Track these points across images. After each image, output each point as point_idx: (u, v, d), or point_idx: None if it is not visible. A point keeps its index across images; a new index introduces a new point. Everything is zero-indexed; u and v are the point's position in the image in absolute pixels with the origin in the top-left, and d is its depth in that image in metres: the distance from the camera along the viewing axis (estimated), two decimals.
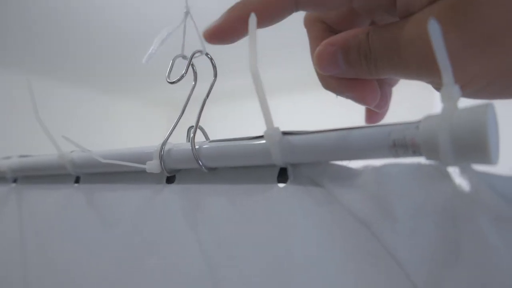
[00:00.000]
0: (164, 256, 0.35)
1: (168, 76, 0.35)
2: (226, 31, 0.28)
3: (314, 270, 0.27)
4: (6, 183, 0.51)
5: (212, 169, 0.34)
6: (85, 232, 0.42)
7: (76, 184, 0.44)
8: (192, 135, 0.34)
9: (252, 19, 0.25)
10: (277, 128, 0.29)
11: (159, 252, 0.36)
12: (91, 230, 0.41)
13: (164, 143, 0.35)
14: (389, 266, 0.25)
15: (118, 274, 0.38)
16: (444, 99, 0.23)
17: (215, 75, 0.36)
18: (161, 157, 0.35)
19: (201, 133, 0.37)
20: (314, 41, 0.32)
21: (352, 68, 0.28)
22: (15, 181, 0.51)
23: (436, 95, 0.27)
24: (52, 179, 0.47)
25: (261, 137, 0.30)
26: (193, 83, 0.37)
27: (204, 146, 0.33)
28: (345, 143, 0.26)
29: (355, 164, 0.28)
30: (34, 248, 0.46)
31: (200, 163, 0.33)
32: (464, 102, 0.23)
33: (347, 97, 0.31)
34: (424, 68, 0.25)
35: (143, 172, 0.39)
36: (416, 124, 0.24)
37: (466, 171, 0.23)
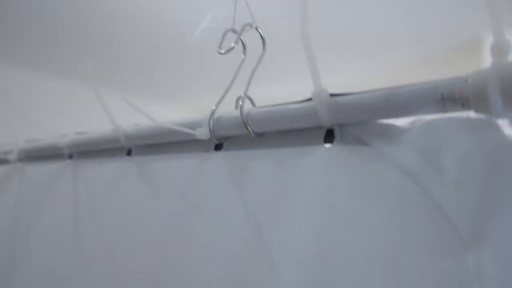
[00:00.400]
0: (210, 219, 0.37)
1: (220, 47, 0.37)
2: None
3: (359, 226, 0.28)
4: (62, 159, 0.54)
5: (259, 135, 0.35)
6: (136, 201, 0.44)
7: (128, 157, 0.46)
8: (241, 103, 0.35)
9: None
10: (325, 89, 0.30)
11: (206, 215, 0.37)
12: (142, 199, 0.43)
13: (213, 112, 0.37)
14: (435, 218, 0.25)
15: (168, 240, 0.40)
16: (494, 53, 0.24)
17: (264, 48, 0.37)
18: (210, 124, 0.36)
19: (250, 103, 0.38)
20: None
21: None
22: (70, 157, 0.54)
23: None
24: (105, 154, 0.49)
25: (309, 99, 0.31)
26: (243, 56, 0.38)
27: (252, 112, 0.34)
28: (393, 100, 0.27)
29: (401, 122, 0.28)
30: (88, 220, 0.48)
31: (249, 128, 0.34)
32: None
33: None
34: None
35: (191, 141, 0.41)
36: (465, 78, 0.25)
37: None
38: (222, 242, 0.35)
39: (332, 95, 0.30)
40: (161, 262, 0.39)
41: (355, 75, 2.20)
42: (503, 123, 0.24)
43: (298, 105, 0.31)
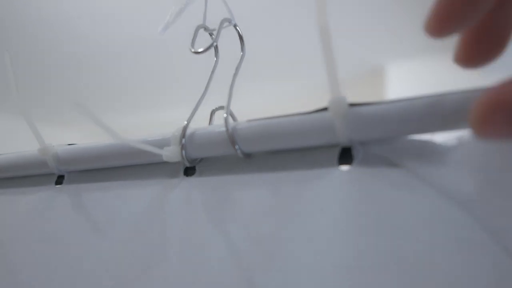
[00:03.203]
0: (179, 263, 0.29)
1: (192, 45, 0.30)
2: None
3: (392, 268, 0.22)
4: None
5: (247, 156, 0.28)
6: (69, 242, 0.34)
7: (58, 186, 0.37)
8: (225, 114, 0.28)
9: None
10: (344, 97, 0.24)
11: (173, 258, 0.29)
12: (79, 238, 0.34)
13: (186, 127, 0.29)
14: (492, 256, 0.20)
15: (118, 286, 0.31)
16: None
17: (243, 49, 0.31)
18: (182, 143, 0.29)
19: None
20: None
21: None
22: None
23: None
24: (22, 182, 0.39)
25: (323, 109, 0.25)
26: (215, 58, 0.32)
27: (240, 127, 0.27)
28: (439, 109, 0.22)
29: (440, 137, 0.23)
30: None
31: (237, 147, 0.27)
32: None
33: None
34: None
35: (149, 166, 0.33)
36: None
37: None
38: (197, 285, 0.27)
39: (351, 104, 0.24)
40: None
41: (259, 100, 2.17)
42: None
43: (308, 117, 0.25)
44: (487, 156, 0.21)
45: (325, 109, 0.25)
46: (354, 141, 0.25)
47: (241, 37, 0.31)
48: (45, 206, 0.36)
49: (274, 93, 2.16)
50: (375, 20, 1.45)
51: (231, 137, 0.27)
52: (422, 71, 1.51)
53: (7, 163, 0.38)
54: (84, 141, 0.36)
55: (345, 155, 0.25)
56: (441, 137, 0.23)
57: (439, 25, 0.22)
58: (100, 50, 1.68)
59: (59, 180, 0.37)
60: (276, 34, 1.57)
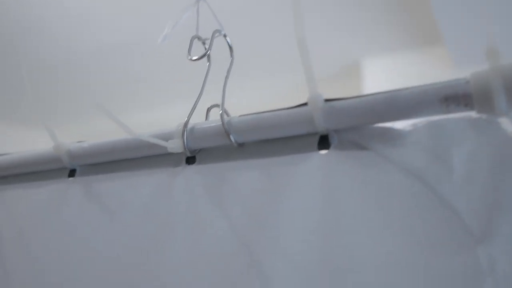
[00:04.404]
0: (185, 239, 0.33)
1: (189, 53, 0.35)
2: None
3: (366, 230, 0.28)
4: None
5: (240, 145, 0.33)
6: (83, 228, 0.39)
7: (71, 178, 0.41)
8: (220, 111, 0.33)
9: None
10: (320, 94, 0.29)
11: (180, 236, 0.34)
12: (91, 224, 0.38)
13: (187, 122, 0.34)
14: (444, 216, 0.26)
15: (128, 272, 0.35)
16: (489, 56, 0.25)
17: (232, 55, 0.36)
18: (184, 135, 0.34)
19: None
20: None
21: None
22: None
23: None
24: (37, 176, 0.43)
25: (303, 104, 0.30)
26: (207, 63, 0.37)
27: (234, 120, 0.32)
28: (394, 103, 0.27)
29: (400, 124, 0.29)
30: (17, 253, 0.41)
31: (231, 138, 0.32)
32: None
33: None
34: None
35: (154, 157, 0.37)
36: (465, 80, 0.26)
37: None
38: (202, 262, 0.32)
39: (326, 100, 0.29)
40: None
41: (237, 97, 2.21)
42: (505, 121, 0.26)
43: (291, 111, 0.30)
44: (435, 136, 0.27)
45: (305, 104, 0.30)
46: (330, 130, 0.30)
47: (230, 47, 0.36)
48: (60, 196, 0.40)
49: (260, 90, 2.21)
50: (350, 18, 1.51)
51: (227, 129, 0.32)
52: (395, 66, 1.58)
53: (23, 160, 0.43)
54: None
55: (323, 142, 0.30)
56: (399, 124, 0.29)
57: None
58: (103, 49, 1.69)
59: (71, 173, 0.41)
60: (262, 36, 1.62)
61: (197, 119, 0.35)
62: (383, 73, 1.67)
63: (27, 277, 0.40)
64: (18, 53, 1.61)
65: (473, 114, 0.26)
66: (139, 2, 1.38)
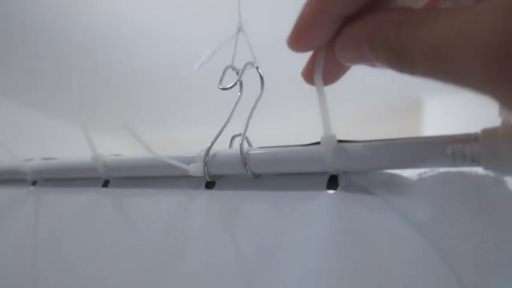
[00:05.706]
0: (196, 260, 0.35)
1: (220, 83, 0.37)
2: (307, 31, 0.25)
3: (359, 274, 0.28)
4: (24, 186, 0.50)
5: (256, 176, 0.35)
6: (110, 237, 0.41)
7: (104, 188, 0.44)
8: (241, 141, 0.35)
9: None
10: (334, 135, 0.30)
11: (191, 256, 0.35)
12: (117, 235, 0.41)
13: (209, 148, 0.36)
14: (438, 270, 0.26)
15: (145, 281, 0.37)
16: (502, 111, 0.25)
17: (262, 87, 0.38)
18: (205, 161, 0.35)
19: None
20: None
21: (382, 63, 0.23)
22: (33, 183, 0.50)
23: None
24: (75, 183, 0.47)
25: (316, 143, 0.31)
26: (239, 93, 0.39)
27: (251, 152, 0.34)
28: (404, 152, 0.28)
29: (407, 173, 0.29)
30: (48, 253, 0.45)
31: (248, 168, 0.34)
32: None
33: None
34: (494, 83, 0.17)
35: (178, 177, 0.39)
36: (474, 135, 0.26)
37: None
38: (208, 282, 0.34)
39: (340, 141, 0.30)
40: None
41: (295, 124, 2.23)
42: (510, 180, 0.25)
43: (304, 149, 0.31)
44: (439, 189, 0.27)
45: (318, 143, 0.31)
46: (339, 171, 0.31)
47: (261, 78, 0.38)
48: (94, 205, 0.44)
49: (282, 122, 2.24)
50: None
51: (244, 160, 0.34)
52: (457, 106, 1.53)
53: (64, 166, 0.46)
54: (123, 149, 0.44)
55: (332, 182, 0.31)
56: (407, 173, 0.29)
57: (297, 41, 0.25)
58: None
59: (105, 183, 0.44)
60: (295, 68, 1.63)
61: (224, 146, 0.37)
62: (444, 112, 1.63)
63: (54, 278, 0.44)
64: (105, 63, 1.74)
65: (479, 170, 0.26)
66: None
